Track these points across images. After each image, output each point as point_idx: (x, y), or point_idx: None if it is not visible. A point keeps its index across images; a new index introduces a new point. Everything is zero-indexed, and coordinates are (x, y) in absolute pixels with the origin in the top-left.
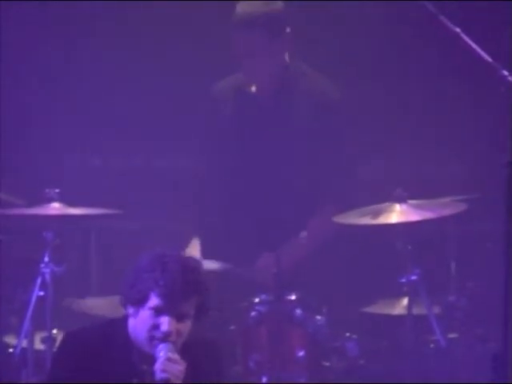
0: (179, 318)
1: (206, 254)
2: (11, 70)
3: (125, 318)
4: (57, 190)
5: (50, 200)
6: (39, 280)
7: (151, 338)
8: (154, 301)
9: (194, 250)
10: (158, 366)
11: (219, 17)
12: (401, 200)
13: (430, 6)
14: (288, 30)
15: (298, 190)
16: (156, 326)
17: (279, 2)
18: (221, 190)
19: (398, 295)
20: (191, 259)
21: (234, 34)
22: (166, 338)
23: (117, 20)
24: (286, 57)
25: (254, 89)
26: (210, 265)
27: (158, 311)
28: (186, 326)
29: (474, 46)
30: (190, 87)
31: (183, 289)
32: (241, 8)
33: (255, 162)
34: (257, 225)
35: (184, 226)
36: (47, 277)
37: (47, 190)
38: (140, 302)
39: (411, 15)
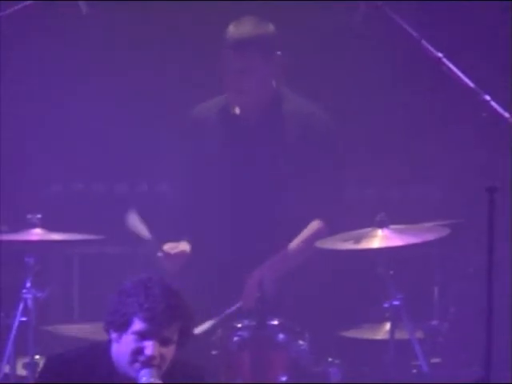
0: (163, 342)
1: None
2: None
3: (107, 343)
4: (39, 216)
5: (32, 226)
6: (21, 305)
7: (134, 362)
8: (137, 325)
9: (183, 245)
10: None
11: (205, 41)
12: (383, 225)
13: (413, 32)
14: (279, 52)
15: (286, 209)
16: (140, 350)
17: (270, 25)
18: (206, 211)
19: (381, 320)
20: (174, 286)
21: (225, 55)
22: (149, 361)
23: (94, 45)
24: (273, 82)
25: (237, 111)
26: (200, 328)
27: (141, 335)
28: (170, 351)
29: (455, 70)
30: (171, 112)
31: (167, 313)
32: (233, 29)
33: (241, 183)
34: (244, 246)
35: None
36: (29, 302)
37: (29, 216)
38: (123, 327)
39: (397, 42)
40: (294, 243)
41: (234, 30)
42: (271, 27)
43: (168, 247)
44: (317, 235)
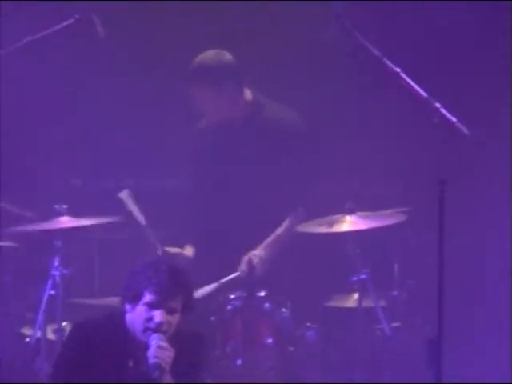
0: (169, 311)
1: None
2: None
3: (122, 313)
4: (65, 206)
5: (60, 214)
6: (50, 281)
7: (146, 329)
8: (148, 297)
9: (188, 251)
10: (150, 353)
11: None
12: (351, 212)
13: (375, 51)
14: (234, 79)
15: (264, 201)
16: (150, 319)
17: (227, 54)
18: (203, 203)
19: (350, 291)
20: (178, 265)
21: (186, 83)
22: (158, 328)
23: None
24: (248, 94)
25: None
26: (201, 292)
27: (151, 306)
28: (175, 319)
29: (411, 82)
30: (178, 123)
31: (172, 287)
32: (194, 60)
33: (231, 179)
34: (234, 231)
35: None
36: (57, 278)
37: (56, 206)
38: (136, 299)
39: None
40: (281, 229)
41: (194, 61)
42: (227, 57)
43: (171, 249)
44: (296, 223)
